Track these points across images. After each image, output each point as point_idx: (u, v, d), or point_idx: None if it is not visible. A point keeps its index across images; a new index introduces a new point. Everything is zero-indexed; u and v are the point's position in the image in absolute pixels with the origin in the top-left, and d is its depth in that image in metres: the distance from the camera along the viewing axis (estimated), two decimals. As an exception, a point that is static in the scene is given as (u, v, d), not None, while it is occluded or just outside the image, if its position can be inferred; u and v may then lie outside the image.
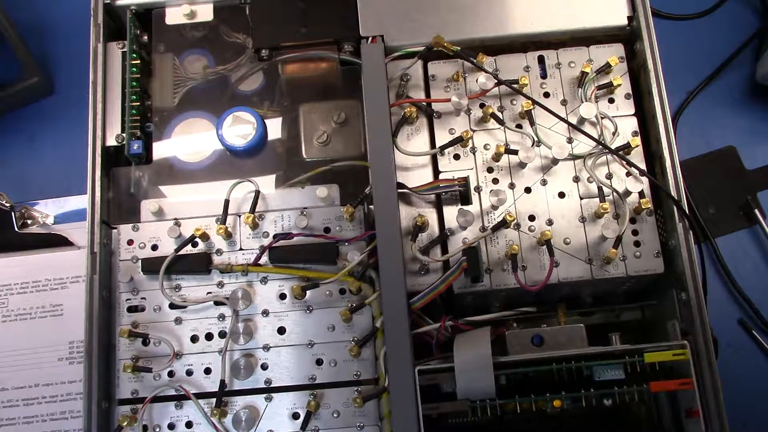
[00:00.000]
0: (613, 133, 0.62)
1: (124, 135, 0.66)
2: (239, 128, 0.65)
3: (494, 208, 0.61)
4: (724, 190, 0.79)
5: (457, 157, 0.62)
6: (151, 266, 0.61)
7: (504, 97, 0.64)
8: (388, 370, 0.56)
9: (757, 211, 0.77)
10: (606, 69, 0.63)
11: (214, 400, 0.59)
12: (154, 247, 0.62)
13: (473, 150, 0.62)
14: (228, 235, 0.62)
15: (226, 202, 0.62)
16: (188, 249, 0.61)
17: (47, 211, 0.78)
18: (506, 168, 0.62)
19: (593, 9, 0.66)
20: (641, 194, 0.60)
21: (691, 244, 0.59)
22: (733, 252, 0.77)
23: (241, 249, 0.62)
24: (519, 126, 0.63)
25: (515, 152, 0.61)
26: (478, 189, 0.61)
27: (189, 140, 0.67)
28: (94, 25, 0.68)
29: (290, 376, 0.59)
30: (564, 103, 0.63)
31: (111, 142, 0.66)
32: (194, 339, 0.61)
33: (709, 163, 0.80)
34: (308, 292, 0.60)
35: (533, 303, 0.63)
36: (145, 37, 0.70)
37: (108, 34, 0.69)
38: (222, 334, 0.60)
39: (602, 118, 0.62)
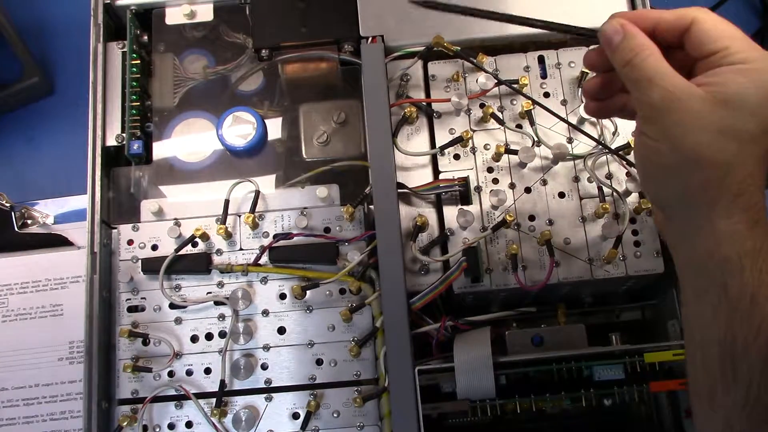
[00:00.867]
0: (613, 133, 0.62)
1: (124, 135, 0.66)
2: (239, 128, 0.65)
3: (494, 208, 0.60)
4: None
5: (457, 157, 0.62)
6: (151, 266, 0.61)
7: (504, 97, 0.64)
8: (388, 370, 0.56)
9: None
10: (606, 69, 0.63)
11: (214, 400, 0.59)
12: (154, 247, 0.62)
13: (473, 150, 0.62)
14: (228, 235, 0.62)
15: (226, 202, 0.62)
16: (188, 249, 0.61)
17: (47, 211, 0.78)
18: (506, 168, 0.62)
19: (593, 9, 0.66)
20: (641, 194, 0.60)
21: (691, 244, 0.59)
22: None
23: (241, 249, 0.62)
24: (519, 126, 0.63)
25: (515, 152, 0.61)
26: (478, 189, 0.61)
27: (189, 140, 0.67)
28: (94, 25, 0.68)
29: (290, 376, 0.59)
30: (564, 103, 0.63)
31: (111, 142, 0.66)
32: (194, 339, 0.61)
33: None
34: (308, 292, 0.60)
35: (533, 303, 0.63)
36: (145, 37, 0.70)
37: (108, 34, 0.69)
38: (222, 334, 0.60)
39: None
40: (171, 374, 0.60)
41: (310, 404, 0.58)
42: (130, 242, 0.62)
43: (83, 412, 0.58)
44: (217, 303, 0.61)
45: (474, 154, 0.62)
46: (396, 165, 0.61)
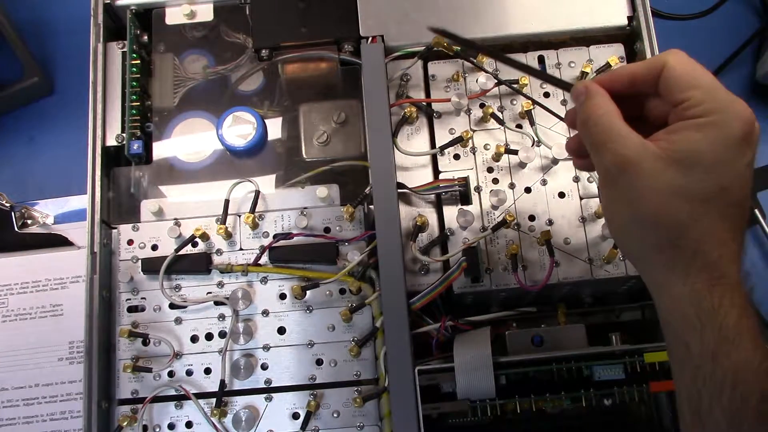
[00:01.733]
0: (613, 133, 0.62)
1: (124, 135, 0.66)
2: (239, 128, 0.65)
3: (494, 208, 0.61)
4: (724, 190, 0.79)
5: (457, 157, 0.62)
6: (151, 266, 0.61)
7: (504, 97, 0.64)
8: (388, 370, 0.56)
9: (757, 211, 0.77)
10: (606, 69, 0.63)
11: (214, 400, 0.59)
12: (154, 247, 0.62)
13: (473, 150, 0.62)
14: (228, 235, 0.62)
15: (226, 202, 0.62)
16: (188, 249, 0.61)
17: (47, 211, 0.78)
18: (506, 168, 0.62)
19: (593, 9, 0.66)
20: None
21: (691, 244, 0.59)
22: (732, 252, 0.77)
23: (241, 249, 0.62)
24: (519, 126, 0.63)
25: (515, 152, 0.61)
26: (478, 189, 0.61)
27: (189, 140, 0.67)
28: (94, 25, 0.68)
29: (290, 376, 0.59)
30: (564, 103, 0.64)
31: (111, 142, 0.66)
32: (194, 339, 0.61)
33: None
34: (308, 292, 0.60)
35: (533, 303, 0.63)
36: (145, 37, 0.70)
37: (108, 34, 0.69)
38: (222, 334, 0.60)
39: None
40: (171, 374, 0.60)
41: (310, 404, 0.58)
42: (130, 242, 0.62)
43: (83, 412, 0.58)
44: (217, 303, 0.61)
45: (474, 154, 0.62)
46: (396, 165, 0.61)
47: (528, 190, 0.61)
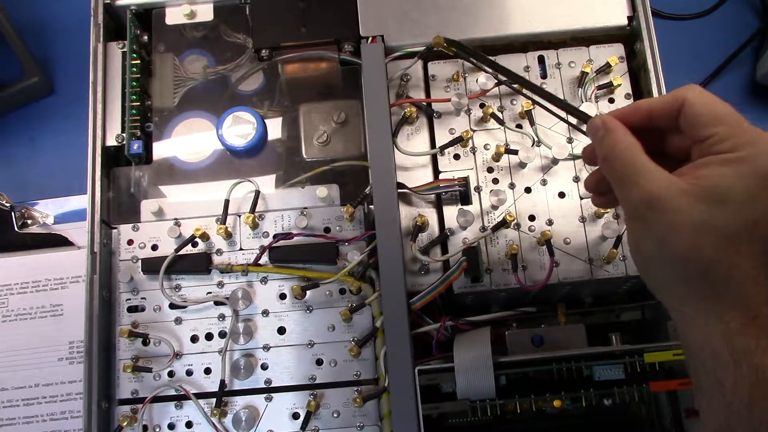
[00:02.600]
0: (613, 133, 0.62)
1: (124, 135, 0.66)
2: (239, 128, 0.65)
3: (494, 208, 0.60)
4: (724, 190, 0.79)
5: (457, 157, 0.62)
6: (151, 266, 0.61)
7: (504, 97, 0.64)
8: (388, 370, 0.56)
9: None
10: (606, 69, 0.63)
11: (214, 400, 0.59)
12: (154, 247, 0.62)
13: (473, 150, 0.62)
14: (228, 235, 0.62)
15: (226, 202, 0.62)
16: (188, 249, 0.61)
17: (47, 211, 0.78)
18: (506, 168, 0.62)
19: (593, 9, 0.66)
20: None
21: (691, 244, 0.59)
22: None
23: (241, 249, 0.62)
24: (519, 126, 0.63)
25: (515, 152, 0.61)
26: (478, 189, 0.61)
27: (189, 140, 0.67)
28: (94, 25, 0.68)
29: (290, 376, 0.59)
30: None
31: (111, 142, 0.66)
32: (194, 339, 0.61)
33: (709, 163, 0.79)
34: (308, 292, 0.60)
35: (533, 303, 0.63)
36: (145, 37, 0.70)
37: (108, 34, 0.69)
38: (222, 334, 0.60)
39: (602, 118, 0.62)
40: (171, 374, 0.60)
41: (310, 404, 0.58)
42: (130, 242, 0.62)
43: (83, 412, 0.58)
44: (217, 303, 0.61)
45: (474, 154, 0.62)
46: (396, 165, 0.61)
47: (528, 190, 0.61)
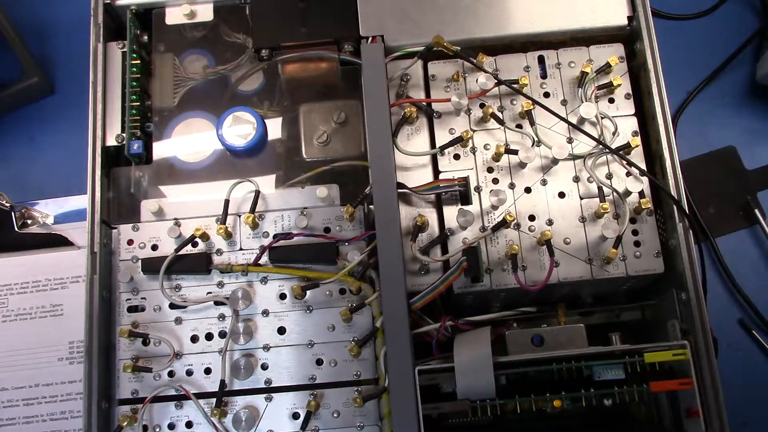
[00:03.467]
0: (613, 133, 0.62)
1: (124, 135, 0.66)
2: (239, 128, 0.65)
3: (494, 208, 0.60)
4: (724, 190, 0.79)
5: (457, 157, 0.62)
6: (151, 266, 0.61)
7: (504, 97, 0.64)
8: (388, 370, 0.56)
9: (757, 211, 0.77)
10: (606, 69, 0.63)
11: (214, 400, 0.59)
12: (154, 247, 0.62)
13: (473, 150, 0.62)
14: (228, 235, 0.62)
15: (226, 202, 0.62)
16: (188, 249, 0.61)
17: (47, 211, 0.78)
18: (506, 168, 0.62)
19: (593, 9, 0.66)
20: (641, 194, 0.60)
21: (691, 244, 0.59)
22: (733, 252, 0.77)
23: (241, 249, 0.62)
24: (519, 126, 0.63)
25: (515, 152, 0.61)
26: (478, 189, 0.61)
27: (189, 140, 0.67)
28: (94, 25, 0.68)
29: (290, 376, 0.59)
30: (564, 103, 0.63)
31: (111, 142, 0.66)
32: (194, 339, 0.61)
33: (709, 163, 0.80)
34: (308, 292, 0.60)
35: (533, 303, 0.63)
36: (145, 37, 0.70)
37: (108, 34, 0.69)
38: (222, 334, 0.60)
39: (602, 118, 0.62)
40: (171, 374, 0.60)
41: (310, 404, 0.58)
42: (130, 242, 0.62)
43: (83, 412, 0.58)
44: (217, 303, 0.61)
45: (474, 154, 0.62)
46: (396, 165, 0.61)
47: (528, 190, 0.61)
